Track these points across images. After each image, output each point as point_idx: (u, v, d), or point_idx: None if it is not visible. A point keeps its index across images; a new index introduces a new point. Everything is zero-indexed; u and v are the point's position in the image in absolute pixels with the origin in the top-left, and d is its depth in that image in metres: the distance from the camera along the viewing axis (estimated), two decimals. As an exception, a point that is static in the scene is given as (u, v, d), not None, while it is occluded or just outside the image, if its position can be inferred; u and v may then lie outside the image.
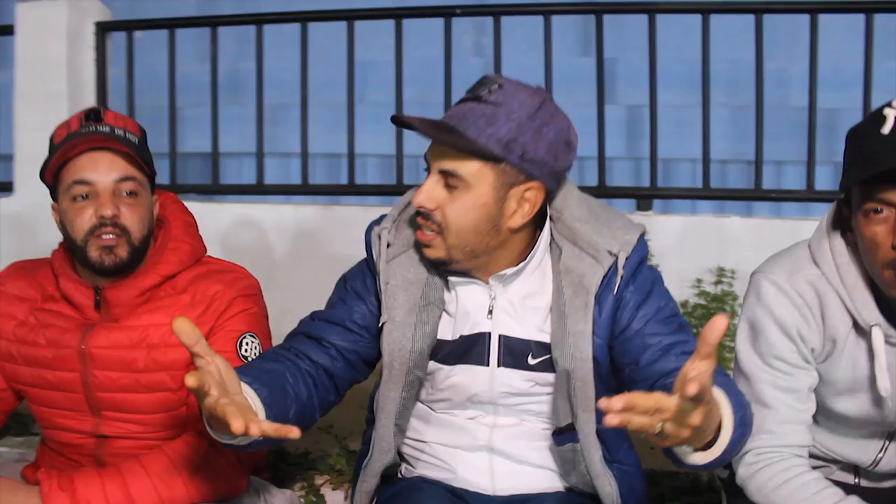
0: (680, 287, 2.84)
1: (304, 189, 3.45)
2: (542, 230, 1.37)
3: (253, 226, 3.39)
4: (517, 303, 1.37)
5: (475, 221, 1.28)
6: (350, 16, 3.34)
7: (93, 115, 1.45)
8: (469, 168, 1.25)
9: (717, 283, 2.85)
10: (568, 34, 3.24)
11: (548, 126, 1.27)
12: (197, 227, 1.63)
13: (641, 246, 1.37)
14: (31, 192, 3.43)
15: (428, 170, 1.31)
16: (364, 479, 1.45)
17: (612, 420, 0.88)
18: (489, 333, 1.37)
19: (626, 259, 1.32)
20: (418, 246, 1.37)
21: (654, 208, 3.13)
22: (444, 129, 1.26)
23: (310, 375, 1.34)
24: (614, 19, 3.32)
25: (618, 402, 0.87)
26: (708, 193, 3.08)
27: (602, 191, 3.04)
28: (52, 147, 1.44)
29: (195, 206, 1.68)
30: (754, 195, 3.05)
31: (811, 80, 2.93)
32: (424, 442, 1.47)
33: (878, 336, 1.28)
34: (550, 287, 1.36)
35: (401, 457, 1.51)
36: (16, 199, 3.60)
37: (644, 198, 3.11)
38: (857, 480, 1.47)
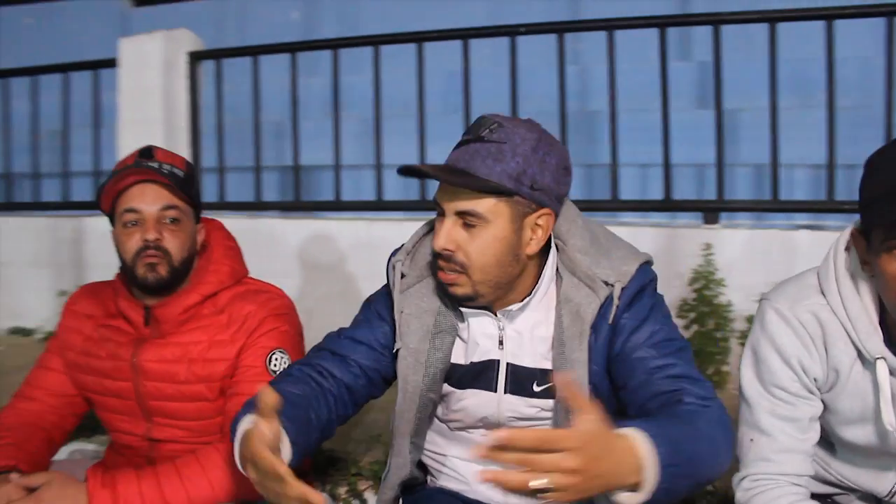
0: (745, 301, 2.80)
1: (379, 205, 3.56)
2: (547, 260, 1.42)
3: (329, 240, 3.56)
4: (525, 333, 1.43)
5: (497, 255, 1.34)
6: (420, 38, 3.45)
7: (145, 153, 1.64)
8: (485, 205, 1.31)
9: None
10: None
11: (549, 155, 1.34)
12: (238, 250, 1.80)
13: (641, 275, 1.39)
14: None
15: (441, 214, 1.37)
16: (384, 490, 1.56)
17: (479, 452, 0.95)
18: (498, 361, 1.44)
19: (623, 290, 1.37)
20: (433, 276, 1.45)
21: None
22: (456, 172, 1.32)
23: (331, 394, 1.44)
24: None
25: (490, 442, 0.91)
26: (777, 206, 3.01)
27: (667, 203, 3.09)
28: (110, 177, 1.63)
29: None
30: (825, 207, 2.97)
31: (888, 81, 2.84)
32: (444, 455, 1.57)
33: (882, 369, 1.26)
34: (553, 316, 1.42)
35: (426, 468, 1.62)
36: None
37: (710, 210, 3.07)
38: None
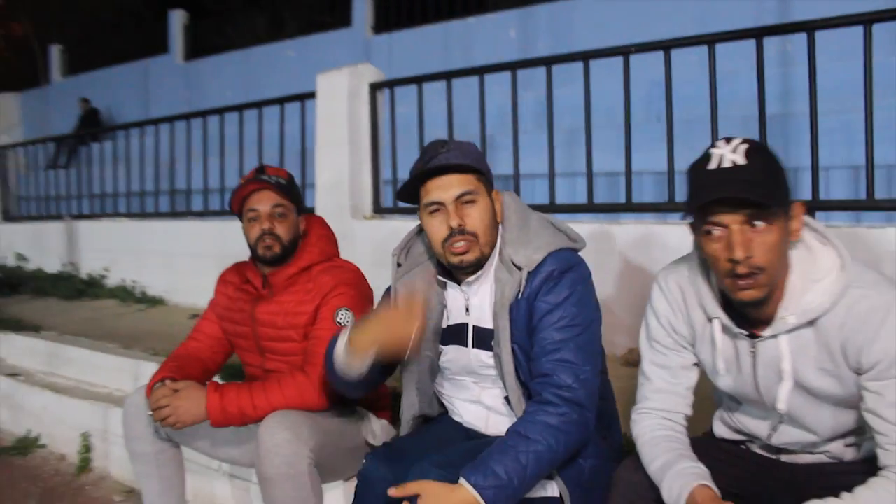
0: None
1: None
2: (496, 244, 1.88)
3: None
4: (483, 302, 1.90)
5: (489, 221, 1.84)
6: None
7: (260, 170, 2.35)
8: (473, 182, 1.81)
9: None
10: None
11: (479, 152, 1.88)
12: (330, 237, 2.46)
13: (551, 262, 1.80)
14: (326, 212, 4.60)
15: (436, 210, 1.81)
16: (402, 423, 2.09)
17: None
18: (467, 324, 1.94)
19: (530, 273, 1.80)
20: (424, 264, 1.98)
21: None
22: (450, 165, 1.80)
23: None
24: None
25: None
26: (872, 204, 3.06)
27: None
28: (237, 188, 2.35)
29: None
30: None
31: None
32: (449, 395, 2.07)
33: (717, 327, 1.61)
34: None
35: (443, 405, 2.13)
36: (316, 218, 4.80)
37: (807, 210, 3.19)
38: (777, 456, 1.72)
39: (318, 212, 4.78)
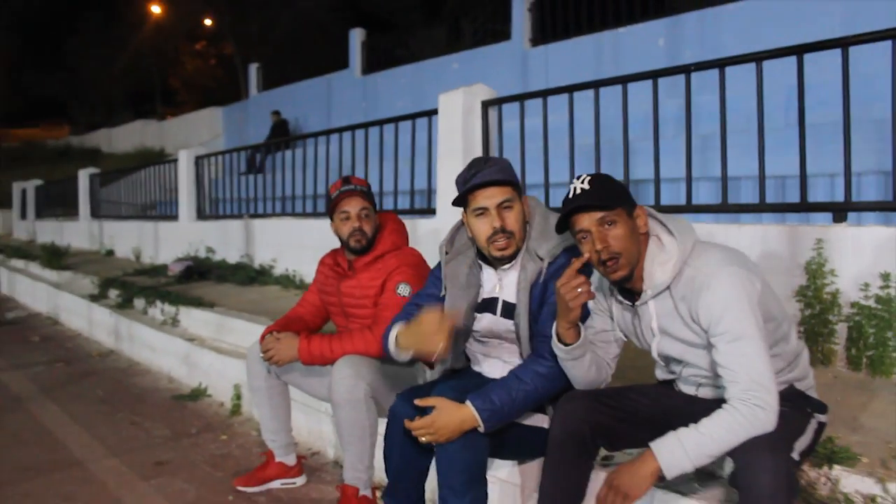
0: (851, 291, 3.28)
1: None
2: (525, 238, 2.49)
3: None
4: (511, 282, 2.50)
5: (521, 223, 2.46)
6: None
7: (346, 180, 3.11)
8: (511, 193, 2.40)
9: (885, 287, 3.20)
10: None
11: (511, 167, 2.47)
12: (400, 231, 3.18)
13: (565, 255, 2.38)
14: (446, 214, 5.38)
15: (482, 213, 2.38)
16: (434, 372, 2.75)
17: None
18: (497, 298, 2.55)
19: (549, 264, 2.40)
20: (465, 253, 2.59)
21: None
22: (497, 179, 2.39)
23: None
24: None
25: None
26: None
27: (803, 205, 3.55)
28: (332, 194, 3.11)
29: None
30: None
31: None
32: (475, 353, 2.71)
33: (615, 302, 2.22)
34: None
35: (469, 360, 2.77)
36: (437, 219, 5.57)
37: (838, 211, 3.46)
38: (679, 389, 2.26)
39: (439, 213, 5.53)
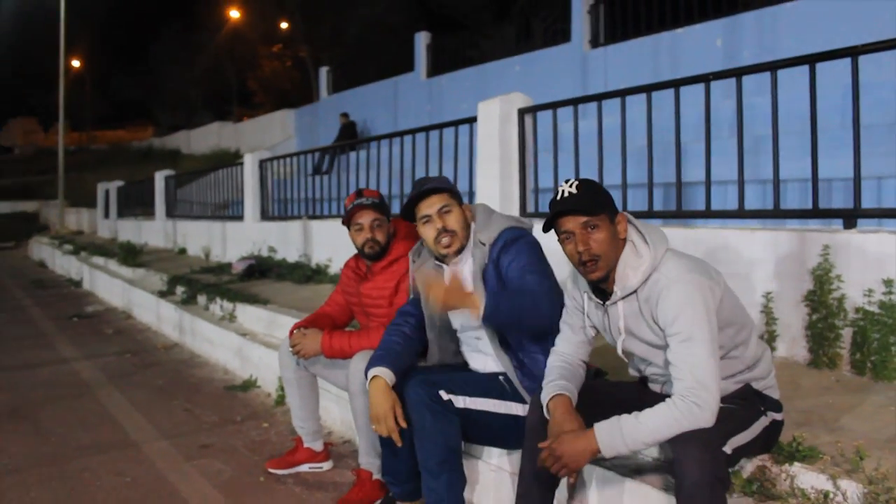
0: (857, 296, 3.36)
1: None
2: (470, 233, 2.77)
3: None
4: (467, 276, 2.75)
5: (462, 224, 2.77)
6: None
7: (359, 193, 3.38)
8: (448, 199, 2.75)
9: (888, 293, 3.28)
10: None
11: (448, 180, 2.78)
12: (413, 236, 3.39)
13: (504, 235, 2.67)
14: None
15: (427, 221, 2.74)
16: (426, 364, 2.99)
17: None
18: None
19: (491, 246, 2.67)
20: (428, 259, 2.89)
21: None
22: (434, 188, 2.74)
23: (412, 329, 2.95)
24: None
25: None
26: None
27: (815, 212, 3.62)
28: (347, 207, 3.38)
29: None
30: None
31: None
32: (464, 350, 2.96)
33: (587, 300, 2.39)
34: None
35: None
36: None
37: (848, 217, 3.51)
38: (648, 386, 2.44)
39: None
